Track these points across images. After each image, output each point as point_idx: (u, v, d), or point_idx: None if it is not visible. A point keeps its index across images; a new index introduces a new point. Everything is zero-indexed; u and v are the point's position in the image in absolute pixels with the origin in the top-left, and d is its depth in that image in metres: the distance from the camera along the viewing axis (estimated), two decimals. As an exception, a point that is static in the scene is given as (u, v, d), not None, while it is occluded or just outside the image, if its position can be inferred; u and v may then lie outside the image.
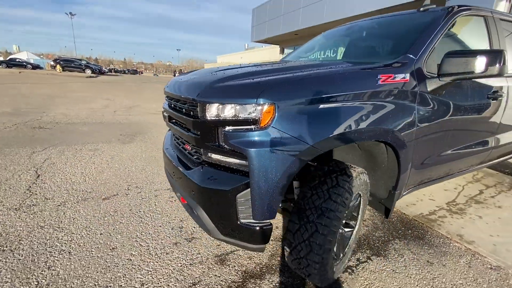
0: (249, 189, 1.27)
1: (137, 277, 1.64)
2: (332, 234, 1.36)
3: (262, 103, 1.20)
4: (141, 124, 6.05)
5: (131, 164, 3.50)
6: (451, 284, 1.71)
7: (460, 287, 1.69)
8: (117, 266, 1.73)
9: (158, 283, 1.61)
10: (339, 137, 1.33)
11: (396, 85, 1.52)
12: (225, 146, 1.30)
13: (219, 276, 1.70)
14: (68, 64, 31.93)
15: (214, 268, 1.77)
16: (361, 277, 1.75)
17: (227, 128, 1.28)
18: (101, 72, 34.46)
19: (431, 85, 1.64)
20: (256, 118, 1.22)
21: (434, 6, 2.07)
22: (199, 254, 1.89)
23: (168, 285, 1.60)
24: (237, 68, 1.77)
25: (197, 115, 1.38)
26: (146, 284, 1.59)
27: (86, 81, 20.28)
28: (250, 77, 1.39)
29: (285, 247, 1.51)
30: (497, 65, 1.44)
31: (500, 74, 1.47)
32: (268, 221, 1.34)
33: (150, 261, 1.79)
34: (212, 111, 1.31)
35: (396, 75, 1.52)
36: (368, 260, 1.91)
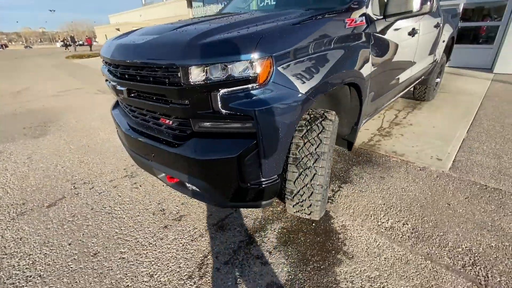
0: (255, 150, 1.26)
1: (141, 271, 1.52)
2: (328, 173, 1.52)
3: (259, 57, 1.12)
4: (46, 111, 4.84)
5: (61, 160, 2.88)
6: (401, 188, 2.21)
7: (406, 189, 2.20)
8: (111, 269, 1.54)
9: (168, 268, 1.54)
10: (326, 83, 1.40)
11: (357, 28, 1.64)
12: (223, 111, 1.20)
13: (226, 241, 1.73)
14: None
15: (217, 236, 1.77)
16: (340, 203, 2.07)
17: (223, 91, 1.17)
18: None
19: (379, 26, 1.83)
20: (255, 75, 1.15)
21: None
22: (196, 228, 1.85)
23: (179, 266, 1.55)
24: (202, 22, 1.55)
25: (180, 82, 1.20)
26: (156, 274, 1.50)
27: None
28: (234, 29, 1.25)
29: (286, 195, 1.62)
30: (429, 3, 1.71)
31: (431, 11, 1.76)
32: (275, 175, 1.38)
33: (147, 252, 1.66)
34: (201, 74, 1.16)
35: (356, 19, 1.62)
36: (340, 189, 2.25)
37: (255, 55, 1.12)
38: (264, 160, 1.28)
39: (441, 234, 1.73)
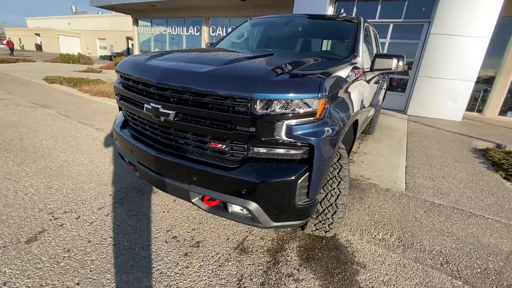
0: (306, 174, 1.45)
1: (179, 302, 1.44)
2: (347, 194, 1.80)
3: (320, 97, 1.37)
4: (-34, 124, 3.89)
5: (19, 185, 2.40)
6: (378, 206, 2.67)
7: (382, 206, 2.67)
8: (143, 304, 1.40)
9: (207, 296, 1.49)
10: (352, 118, 1.73)
11: (360, 77, 2.08)
12: (286, 139, 1.37)
13: (253, 263, 1.78)
14: None
15: (243, 258, 1.81)
16: (336, 221, 2.36)
17: (288, 122, 1.35)
18: None
19: (368, 76, 2.35)
20: (315, 110, 1.38)
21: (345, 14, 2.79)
22: (218, 253, 1.84)
23: (218, 292, 1.53)
24: (257, 57, 1.74)
25: (250, 112, 1.33)
26: (196, 303, 1.44)
27: None
28: (299, 70, 1.48)
29: (311, 217, 1.81)
30: (401, 63, 2.31)
31: (402, 71, 2.37)
32: (316, 197, 1.58)
33: (177, 282, 1.57)
34: (272, 107, 1.33)
35: (360, 70, 2.07)
36: (332, 209, 2.56)
37: (318, 94, 1.36)
38: (312, 183, 1.47)
39: (418, 241, 2.18)
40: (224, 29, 14.77)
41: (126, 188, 2.57)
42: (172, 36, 17.55)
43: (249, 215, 1.53)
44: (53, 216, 2.04)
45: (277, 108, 1.34)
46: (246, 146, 1.44)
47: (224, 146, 1.49)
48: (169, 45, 18.00)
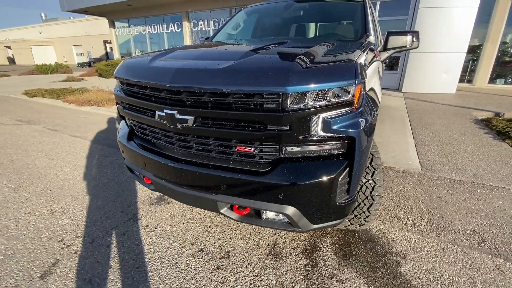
0: (346, 170, 1.33)
1: (224, 324, 1.32)
2: (382, 183, 1.70)
3: (358, 82, 1.23)
4: None
5: (20, 213, 2.20)
6: (400, 190, 2.59)
7: (405, 189, 2.60)
8: (185, 331, 1.28)
9: (252, 312, 1.38)
10: (378, 101, 1.61)
11: (377, 58, 1.95)
12: (324, 134, 1.24)
13: (291, 268, 1.67)
14: None
15: (278, 265, 1.69)
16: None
17: (325, 114, 1.22)
18: None
19: (383, 56, 2.22)
20: (352, 99, 1.25)
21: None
22: (251, 262, 1.72)
23: (262, 306, 1.41)
24: (274, 47, 1.58)
25: (282, 108, 1.19)
26: (242, 322, 1.33)
27: None
28: (325, 57, 1.34)
29: (345, 210, 1.71)
30: (416, 40, 2.18)
31: (417, 47, 2.25)
32: (356, 193, 1.46)
33: (216, 301, 1.44)
34: (306, 100, 1.18)
35: (377, 51, 1.94)
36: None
37: (356, 80, 1.22)
38: (353, 179, 1.35)
39: (450, 222, 2.12)
40: (206, 22, 14.29)
41: (136, 202, 2.40)
42: (151, 35, 16.92)
43: (286, 220, 1.41)
44: (64, 244, 1.86)
45: (311, 100, 1.20)
46: (278, 146, 1.30)
47: (252, 149, 1.35)
48: (150, 45, 17.38)
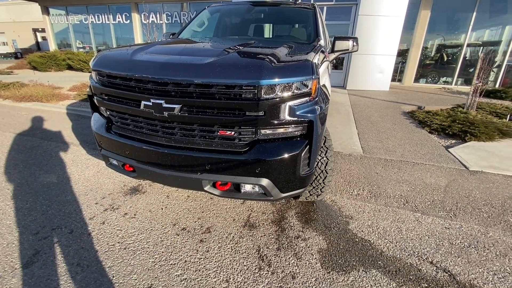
0: (307, 147, 1.68)
1: (215, 281, 1.57)
2: (333, 159, 2.11)
3: (314, 78, 1.58)
4: None
5: (-23, 214, 2.06)
6: (347, 169, 3.12)
7: (350, 168, 3.13)
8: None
9: (236, 269, 1.65)
10: (329, 94, 2.01)
11: (327, 58, 2.36)
12: (290, 118, 1.56)
13: (264, 234, 1.98)
14: None
15: (254, 233, 1.99)
16: (319, 187, 2.71)
17: (291, 103, 1.54)
18: None
19: (331, 57, 2.66)
20: (310, 91, 1.59)
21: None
22: (230, 233, 1.98)
23: (244, 264, 1.70)
24: (247, 46, 1.82)
25: (258, 97, 1.47)
26: (230, 278, 1.59)
27: None
28: (289, 56, 1.65)
29: (306, 183, 2.08)
30: (356, 45, 2.67)
31: (357, 50, 2.74)
32: (314, 166, 1.83)
33: (205, 265, 1.67)
34: (276, 91, 1.49)
35: (326, 53, 2.34)
36: (312, 178, 2.90)
37: (313, 76, 1.57)
38: (312, 154, 1.71)
39: (384, 190, 2.68)
40: (158, 16, 13.71)
41: (110, 194, 2.43)
42: (95, 25, 15.50)
43: (262, 191, 1.70)
44: (41, 236, 1.86)
45: (280, 91, 1.51)
46: (254, 129, 1.58)
47: (233, 133, 1.60)
48: (94, 36, 15.90)
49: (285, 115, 1.56)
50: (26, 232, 1.90)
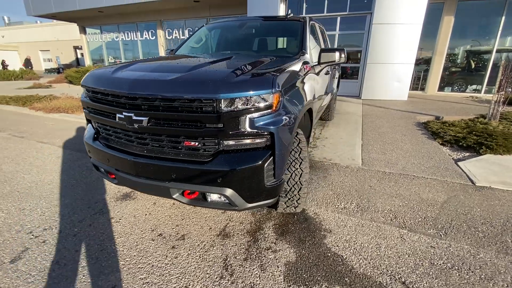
0: (271, 158, 1.70)
1: (174, 287, 1.61)
2: (309, 172, 2.10)
3: (274, 92, 1.62)
4: None
5: (-13, 212, 2.33)
6: (340, 181, 3.04)
7: (343, 181, 3.05)
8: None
9: (198, 277, 1.69)
10: (305, 106, 2.02)
11: (310, 71, 2.38)
12: (250, 130, 1.61)
13: (236, 244, 2.00)
14: None
15: (226, 242, 2.02)
16: (305, 199, 2.67)
17: (250, 115, 1.59)
18: None
19: (316, 69, 2.67)
20: (271, 103, 1.63)
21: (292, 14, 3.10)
22: (203, 242, 2.03)
23: (207, 272, 1.73)
24: (218, 61, 1.93)
25: (216, 110, 1.54)
26: (189, 285, 1.63)
27: None
28: (253, 70, 1.71)
29: (281, 196, 2.08)
30: (343, 55, 2.66)
31: (344, 62, 2.73)
32: (282, 177, 1.84)
33: (169, 271, 1.74)
34: (235, 104, 1.55)
35: (308, 65, 2.37)
36: (301, 189, 2.87)
37: (272, 90, 1.61)
38: (277, 166, 1.73)
39: (373, 204, 2.57)
40: (181, 31, 14.55)
41: (103, 199, 2.62)
42: (125, 42, 16.81)
43: (226, 200, 1.75)
44: (33, 235, 2.05)
45: (239, 104, 1.56)
46: (216, 140, 1.65)
47: (197, 143, 1.68)
48: (124, 52, 17.23)
49: (246, 127, 1.61)
50: (22, 231, 2.11)
